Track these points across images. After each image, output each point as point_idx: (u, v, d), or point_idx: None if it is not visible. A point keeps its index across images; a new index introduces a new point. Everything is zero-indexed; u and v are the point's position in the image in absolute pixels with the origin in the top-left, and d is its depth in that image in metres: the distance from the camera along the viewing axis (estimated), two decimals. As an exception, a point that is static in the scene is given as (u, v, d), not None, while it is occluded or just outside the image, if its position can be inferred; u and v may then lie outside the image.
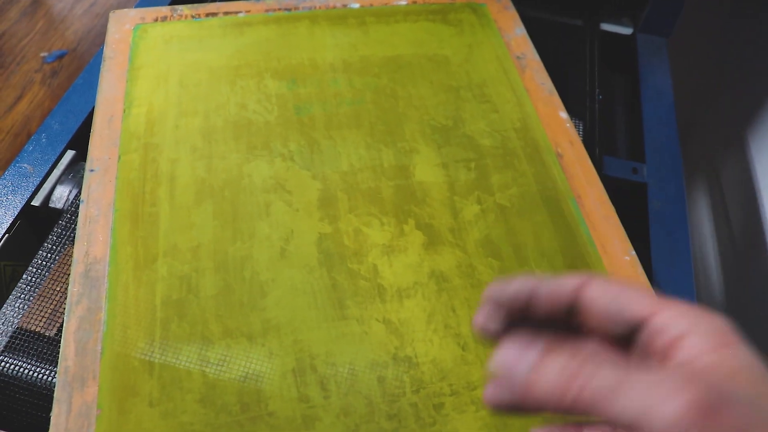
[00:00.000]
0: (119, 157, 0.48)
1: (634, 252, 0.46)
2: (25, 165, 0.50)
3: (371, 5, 0.63)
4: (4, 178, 0.49)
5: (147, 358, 0.38)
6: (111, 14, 0.59)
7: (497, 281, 0.24)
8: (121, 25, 0.58)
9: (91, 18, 1.59)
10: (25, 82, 1.39)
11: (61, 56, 1.47)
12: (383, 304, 0.41)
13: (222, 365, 0.38)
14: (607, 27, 0.70)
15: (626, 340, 0.22)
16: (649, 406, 0.17)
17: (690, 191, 0.90)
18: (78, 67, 1.45)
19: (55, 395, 0.36)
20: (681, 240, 0.50)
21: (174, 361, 0.38)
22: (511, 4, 0.64)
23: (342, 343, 0.40)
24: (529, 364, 0.20)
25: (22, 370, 0.41)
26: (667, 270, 0.49)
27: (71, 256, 0.47)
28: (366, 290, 0.42)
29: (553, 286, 0.23)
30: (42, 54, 1.46)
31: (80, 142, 0.54)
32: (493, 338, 0.24)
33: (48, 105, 1.36)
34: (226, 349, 0.39)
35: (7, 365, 0.41)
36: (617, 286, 0.22)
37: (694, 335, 0.20)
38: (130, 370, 0.38)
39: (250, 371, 0.38)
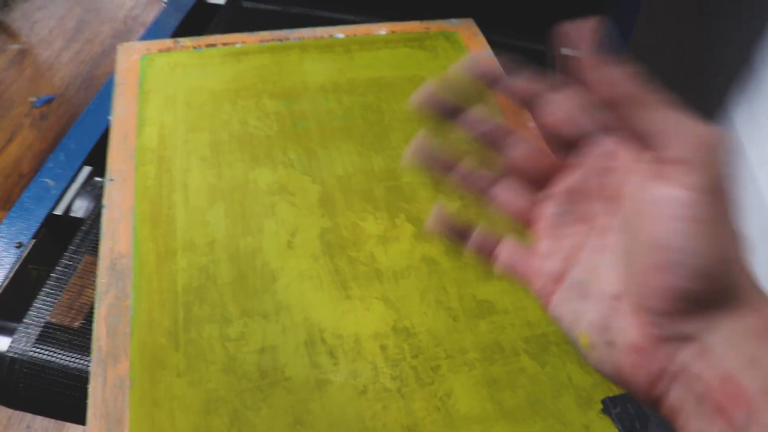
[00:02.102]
0: (136, 168, 0.53)
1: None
2: (47, 180, 0.55)
3: (355, 35, 0.69)
4: (29, 191, 0.54)
5: (172, 336, 0.43)
6: (119, 46, 0.64)
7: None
8: (129, 55, 0.64)
9: (77, 65, 1.65)
10: (14, 126, 1.44)
11: (49, 101, 1.52)
12: (381, 285, 0.47)
13: (241, 340, 0.43)
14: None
15: None
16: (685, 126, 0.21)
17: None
18: (66, 111, 1.50)
19: (91, 370, 0.41)
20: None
21: (197, 338, 0.43)
22: (479, 32, 0.72)
23: (347, 318, 0.45)
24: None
25: (53, 357, 0.45)
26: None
27: (90, 262, 0.51)
28: (365, 274, 0.47)
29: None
30: (31, 99, 1.51)
31: (95, 159, 0.59)
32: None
33: (38, 147, 1.41)
34: (243, 326, 0.44)
35: (40, 354, 0.45)
36: None
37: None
38: (158, 347, 0.42)
39: (267, 344, 0.43)
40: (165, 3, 0.81)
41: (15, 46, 1.69)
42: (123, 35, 1.76)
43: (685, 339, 0.20)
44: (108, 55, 1.69)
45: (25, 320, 0.47)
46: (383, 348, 0.43)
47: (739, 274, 0.20)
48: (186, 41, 0.66)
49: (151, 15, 1.85)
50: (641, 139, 0.21)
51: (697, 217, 0.20)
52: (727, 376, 0.19)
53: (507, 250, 0.27)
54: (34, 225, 0.52)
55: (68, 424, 0.99)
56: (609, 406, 0.42)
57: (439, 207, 0.27)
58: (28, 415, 1.01)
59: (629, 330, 0.21)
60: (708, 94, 0.83)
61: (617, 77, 0.22)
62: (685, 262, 0.20)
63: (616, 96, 0.22)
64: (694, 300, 0.20)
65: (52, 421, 0.99)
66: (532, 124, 0.60)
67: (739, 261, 0.20)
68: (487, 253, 0.27)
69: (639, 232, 0.21)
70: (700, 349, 0.20)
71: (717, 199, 0.20)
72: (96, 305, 0.44)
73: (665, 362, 0.20)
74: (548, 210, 0.26)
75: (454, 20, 0.73)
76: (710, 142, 0.20)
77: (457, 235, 0.27)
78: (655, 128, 0.21)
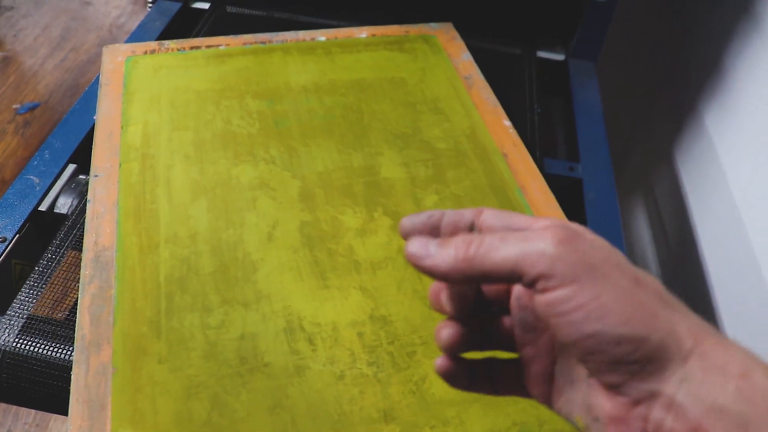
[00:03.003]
0: (120, 165, 0.54)
1: (571, 230, 0.53)
2: (32, 177, 0.56)
3: (336, 38, 0.71)
4: (13, 187, 0.55)
5: (154, 324, 0.44)
6: (104, 48, 0.66)
7: (410, 215, 0.29)
8: (114, 57, 0.65)
9: (62, 72, 1.66)
10: (-2, 133, 1.44)
11: (33, 108, 1.52)
12: (359, 275, 0.48)
13: (221, 328, 0.44)
14: (542, 54, 0.81)
15: None
16: (526, 248, 0.23)
17: (629, 204, 1.00)
18: (50, 118, 1.50)
19: (74, 358, 0.41)
20: (613, 222, 0.59)
21: (179, 326, 0.44)
22: (458, 35, 0.74)
23: (325, 307, 0.46)
24: (434, 247, 0.26)
25: (36, 348, 0.46)
26: (601, 246, 0.57)
27: (74, 257, 0.52)
28: (344, 265, 0.49)
29: (456, 215, 0.28)
30: (14, 106, 1.52)
31: (80, 157, 0.60)
32: (406, 235, 0.29)
33: (21, 153, 1.41)
34: (224, 315, 0.45)
35: (24, 344, 0.46)
36: (505, 212, 0.28)
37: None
38: (140, 335, 0.43)
39: (247, 332, 0.44)
40: (150, 6, 0.83)
41: None
42: (108, 43, 1.76)
43: (649, 397, 0.22)
44: (93, 63, 1.69)
45: (8, 312, 0.48)
46: (360, 335, 0.45)
47: (667, 321, 0.23)
48: (171, 44, 0.68)
49: (137, 23, 1.86)
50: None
51: (577, 304, 0.23)
52: (696, 426, 0.21)
53: (504, 375, 0.29)
54: (19, 221, 0.53)
55: (53, 416, 0.99)
56: (579, 390, 0.44)
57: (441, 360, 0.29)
58: (13, 407, 1.00)
59: (604, 404, 0.24)
60: (680, 97, 0.86)
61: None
62: (596, 346, 0.23)
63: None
64: (632, 363, 0.22)
65: (38, 412, 0.99)
66: (507, 122, 0.62)
67: (663, 307, 0.23)
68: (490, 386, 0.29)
69: (559, 338, 0.25)
70: (667, 403, 0.22)
71: (586, 270, 0.23)
72: (80, 296, 0.45)
73: (642, 424, 0.23)
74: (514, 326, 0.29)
75: (433, 24, 0.75)
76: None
77: (463, 373, 0.29)
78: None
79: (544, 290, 0.23)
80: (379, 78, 0.67)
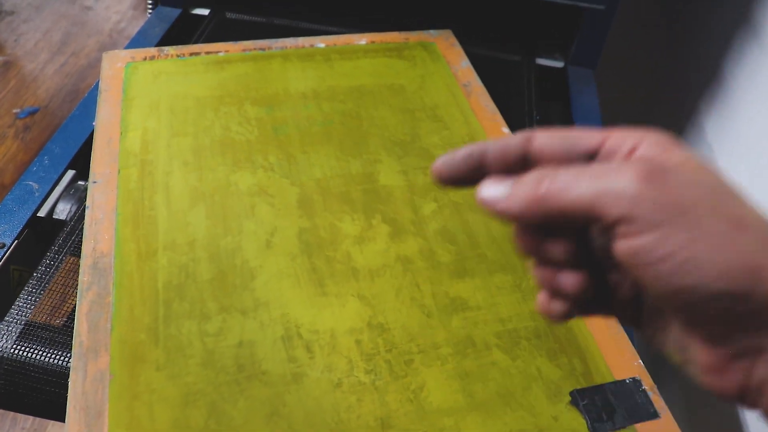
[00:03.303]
0: (119, 171, 0.54)
1: (569, 237, 0.53)
2: (31, 182, 0.56)
3: (335, 44, 0.71)
4: (12, 193, 0.55)
5: (152, 331, 0.44)
6: (104, 54, 0.66)
7: (444, 155, 0.26)
8: (114, 63, 0.65)
9: (62, 77, 1.66)
10: (-2, 137, 1.44)
11: (33, 112, 1.52)
12: (357, 283, 0.48)
13: (219, 335, 0.44)
14: (541, 61, 0.81)
15: None
16: (603, 185, 0.20)
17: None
18: (50, 123, 1.50)
19: (71, 364, 0.41)
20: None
21: (177, 333, 0.44)
22: (457, 42, 0.74)
23: (323, 314, 0.46)
24: (507, 188, 0.23)
25: (34, 354, 0.46)
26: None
27: (73, 263, 0.52)
28: (342, 272, 0.49)
29: (501, 143, 0.25)
30: (14, 110, 1.52)
31: (79, 163, 0.60)
32: (446, 180, 0.26)
33: (21, 158, 1.41)
34: (222, 322, 0.45)
35: (22, 351, 0.46)
36: (561, 130, 0.24)
37: (643, 145, 0.22)
38: (138, 342, 0.43)
39: (245, 339, 0.44)
40: (150, 12, 0.83)
41: (0, 58, 1.70)
42: (108, 48, 1.77)
43: (755, 352, 0.20)
44: (93, 67, 1.70)
45: (6, 319, 0.48)
46: (358, 343, 0.44)
47: None
48: (170, 50, 0.68)
49: (137, 28, 1.87)
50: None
51: (664, 254, 0.20)
52: None
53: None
54: (17, 226, 0.53)
55: (50, 422, 0.99)
56: (577, 398, 0.44)
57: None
58: (10, 414, 1.00)
59: (700, 351, 0.21)
60: (679, 103, 0.86)
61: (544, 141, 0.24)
62: (688, 301, 0.20)
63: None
64: (733, 318, 0.20)
65: (35, 419, 0.99)
66: (506, 129, 0.62)
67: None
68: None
69: (645, 289, 0.22)
70: None
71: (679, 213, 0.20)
72: (78, 302, 0.45)
73: (744, 378, 0.21)
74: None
75: (432, 31, 0.75)
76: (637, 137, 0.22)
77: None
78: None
79: (625, 236, 0.20)
80: (378, 85, 0.67)
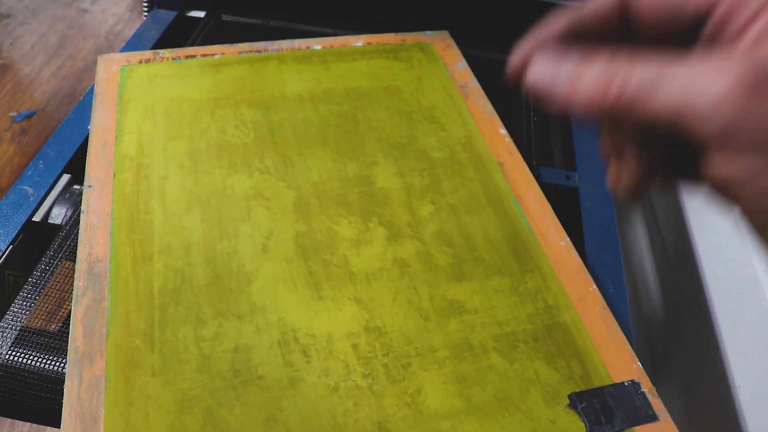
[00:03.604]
0: (114, 175, 0.54)
1: (568, 239, 0.53)
2: (26, 187, 0.56)
3: (332, 46, 0.71)
4: (8, 198, 0.55)
5: (148, 337, 0.43)
6: (99, 57, 0.65)
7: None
8: (109, 66, 0.65)
9: (59, 80, 1.66)
10: (-6, 141, 1.43)
11: (29, 116, 1.52)
12: (354, 286, 0.48)
13: (215, 340, 0.44)
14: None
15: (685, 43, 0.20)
16: (693, 91, 0.16)
17: (627, 213, 1.00)
18: (47, 126, 1.50)
19: (66, 371, 0.41)
20: (609, 231, 0.59)
21: (172, 338, 0.43)
22: (454, 44, 0.74)
23: (320, 318, 0.46)
24: (567, 73, 0.19)
25: (29, 360, 0.46)
26: (598, 256, 0.56)
27: (68, 267, 0.52)
28: (338, 276, 0.48)
29: (595, 2, 0.21)
30: (11, 114, 1.51)
31: (74, 167, 0.60)
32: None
33: (17, 161, 1.40)
34: (218, 327, 0.44)
35: (17, 357, 0.46)
36: None
37: (763, 16, 0.17)
38: (134, 347, 0.43)
39: (241, 344, 0.44)
40: (146, 14, 0.83)
41: (-3, 62, 1.69)
42: (105, 51, 1.77)
43: None
44: (90, 70, 1.69)
45: (0, 324, 0.47)
46: (355, 347, 0.44)
47: None
48: (165, 53, 0.68)
49: (133, 31, 1.86)
50: None
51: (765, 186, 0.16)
52: None
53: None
54: (12, 231, 0.53)
55: (47, 429, 0.99)
56: (575, 401, 0.43)
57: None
58: (7, 420, 1.00)
59: None
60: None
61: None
62: None
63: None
64: None
65: (31, 425, 0.99)
66: (503, 130, 0.62)
67: None
68: None
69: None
70: None
71: None
72: (73, 308, 0.44)
73: None
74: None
75: (429, 32, 0.75)
76: None
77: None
78: None
79: (719, 160, 0.16)
80: (374, 86, 0.67)
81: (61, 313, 0.49)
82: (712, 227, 0.71)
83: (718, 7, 0.18)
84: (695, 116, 0.16)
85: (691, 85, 0.16)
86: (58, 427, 0.40)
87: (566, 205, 0.62)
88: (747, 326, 0.59)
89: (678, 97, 0.16)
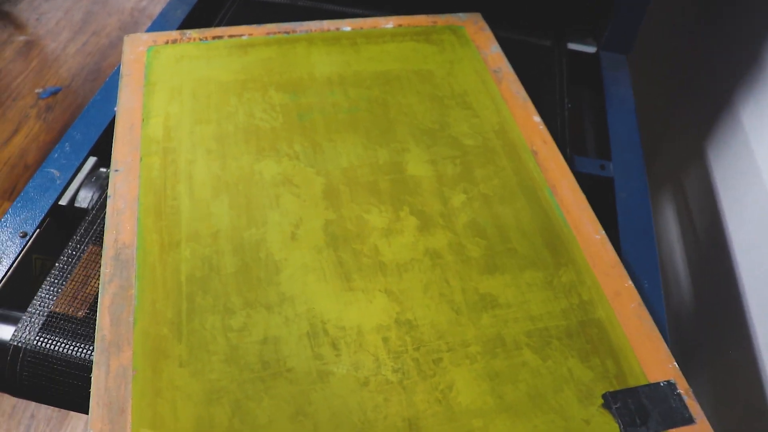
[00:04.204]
0: (141, 159, 0.53)
1: (603, 232, 0.52)
2: (52, 170, 0.55)
3: (361, 28, 0.69)
4: (34, 181, 0.54)
5: (175, 326, 0.43)
6: (126, 38, 0.64)
7: None
8: (135, 47, 0.64)
9: (84, 57, 1.65)
10: (20, 117, 1.44)
11: (55, 92, 1.52)
12: (384, 277, 0.47)
13: (243, 331, 0.43)
14: (573, 46, 0.78)
15: None
16: None
17: (658, 201, 0.97)
18: (72, 103, 1.50)
19: (94, 359, 0.41)
20: (645, 224, 0.57)
21: (200, 328, 0.43)
22: (486, 26, 0.71)
23: (350, 310, 0.45)
24: None
25: (56, 346, 0.46)
26: (633, 249, 0.55)
27: (95, 252, 0.52)
28: (369, 266, 0.47)
29: None
30: (37, 90, 1.52)
31: (100, 149, 0.59)
32: None
33: (43, 138, 1.41)
34: (246, 317, 0.44)
35: (44, 342, 0.46)
36: None
37: None
38: (161, 337, 0.42)
39: (269, 335, 0.43)
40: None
41: (22, 38, 1.70)
42: (130, 27, 1.76)
43: None
44: (115, 47, 1.69)
45: (29, 309, 0.47)
46: (385, 340, 0.43)
47: None
48: (192, 33, 0.66)
49: (158, 7, 1.85)
50: None
51: None
52: None
53: None
54: (39, 215, 0.52)
55: (71, 413, 1.00)
56: (609, 401, 0.42)
57: None
58: (32, 404, 1.01)
59: None
60: (716, 93, 0.83)
61: None
62: None
63: None
64: None
65: (56, 409, 1.00)
66: (537, 117, 0.60)
67: None
68: None
69: None
70: None
71: None
72: (100, 295, 0.44)
73: None
74: None
75: (461, 14, 0.73)
76: None
77: None
78: None
79: None
80: (405, 70, 0.65)
81: (88, 299, 0.48)
82: (749, 217, 0.69)
83: None
84: None
85: None
86: (83, 412, 0.40)
87: (601, 196, 0.60)
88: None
89: None
